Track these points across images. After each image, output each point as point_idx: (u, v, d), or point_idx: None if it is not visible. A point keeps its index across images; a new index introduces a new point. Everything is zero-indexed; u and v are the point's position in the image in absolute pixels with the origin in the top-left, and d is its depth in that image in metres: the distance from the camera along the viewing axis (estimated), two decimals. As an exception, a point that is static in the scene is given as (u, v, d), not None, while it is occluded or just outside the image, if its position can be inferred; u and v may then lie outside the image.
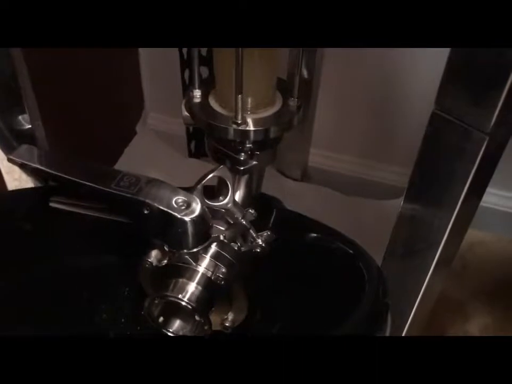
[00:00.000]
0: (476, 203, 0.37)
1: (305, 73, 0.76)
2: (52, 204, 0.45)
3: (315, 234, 0.49)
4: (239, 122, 0.43)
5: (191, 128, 0.86)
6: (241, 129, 0.44)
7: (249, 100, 0.44)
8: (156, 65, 0.86)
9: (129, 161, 0.80)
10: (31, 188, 0.49)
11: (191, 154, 0.88)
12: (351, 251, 0.47)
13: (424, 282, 0.41)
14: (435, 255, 0.37)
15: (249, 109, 0.45)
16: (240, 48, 0.39)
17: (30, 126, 0.46)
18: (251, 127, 0.44)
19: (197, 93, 0.47)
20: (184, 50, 0.84)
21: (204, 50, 0.79)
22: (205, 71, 0.78)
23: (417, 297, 0.43)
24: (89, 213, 0.44)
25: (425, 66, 0.67)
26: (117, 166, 0.78)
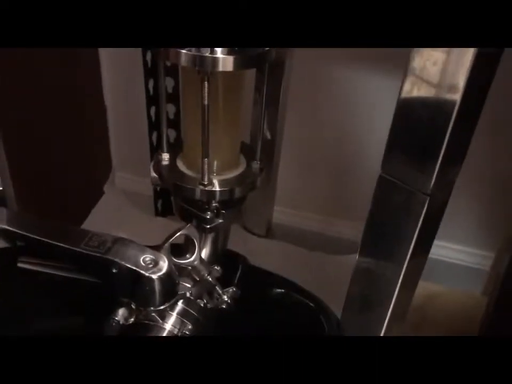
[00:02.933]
0: (424, 257, 0.40)
1: (267, 134, 0.80)
2: (20, 264, 0.45)
3: (278, 290, 0.51)
4: (206, 183, 0.46)
5: (158, 188, 0.88)
6: (208, 190, 0.46)
7: (215, 163, 0.47)
8: (124, 126, 0.88)
9: (96, 221, 0.81)
10: (-1, 248, 0.49)
11: (157, 213, 0.90)
12: (312, 305, 0.49)
13: (380, 334, 0.43)
14: (389, 307, 0.39)
15: (215, 170, 0.47)
16: (206, 114, 0.42)
17: (1, 188, 0.47)
18: (217, 188, 0.47)
19: (165, 156, 0.49)
20: (152, 112, 0.87)
21: (171, 114, 0.82)
22: (171, 133, 0.81)
23: (376, 349, 0.45)
24: (57, 273, 0.45)
25: (383, 126, 0.70)
26: (84, 226, 0.78)
